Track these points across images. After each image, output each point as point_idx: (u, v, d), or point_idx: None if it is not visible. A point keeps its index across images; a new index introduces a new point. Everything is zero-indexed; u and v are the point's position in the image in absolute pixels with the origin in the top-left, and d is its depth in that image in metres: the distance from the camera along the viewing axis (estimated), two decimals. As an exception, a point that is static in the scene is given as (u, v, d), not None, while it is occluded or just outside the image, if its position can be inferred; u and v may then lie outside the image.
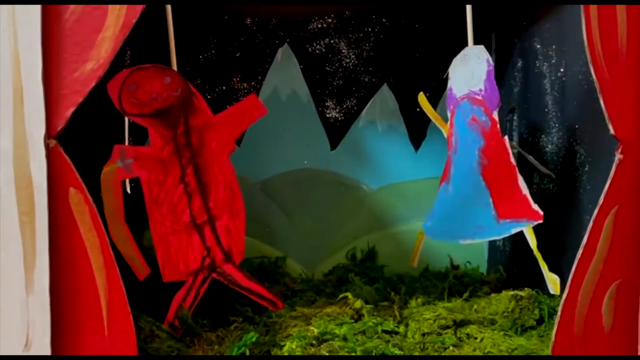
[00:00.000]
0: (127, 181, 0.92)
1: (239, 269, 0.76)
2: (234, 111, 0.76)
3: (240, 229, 0.75)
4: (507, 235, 0.79)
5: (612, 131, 0.59)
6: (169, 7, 0.77)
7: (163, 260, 0.73)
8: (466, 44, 0.84)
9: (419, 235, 0.90)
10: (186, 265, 0.74)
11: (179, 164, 0.73)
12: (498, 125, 0.80)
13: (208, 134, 0.74)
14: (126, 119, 0.96)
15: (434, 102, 1.03)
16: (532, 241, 0.76)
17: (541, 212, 0.75)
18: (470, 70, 0.81)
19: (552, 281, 0.75)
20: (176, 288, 0.74)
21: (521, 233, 0.77)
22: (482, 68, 0.80)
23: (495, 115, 0.80)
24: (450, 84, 0.85)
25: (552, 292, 0.75)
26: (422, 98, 0.89)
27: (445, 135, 0.87)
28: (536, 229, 0.76)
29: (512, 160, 0.78)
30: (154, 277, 0.73)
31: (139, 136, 0.98)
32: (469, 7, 0.83)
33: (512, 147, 0.80)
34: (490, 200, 0.79)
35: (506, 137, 0.79)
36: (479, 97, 0.80)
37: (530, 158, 0.88)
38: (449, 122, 0.85)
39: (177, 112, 0.72)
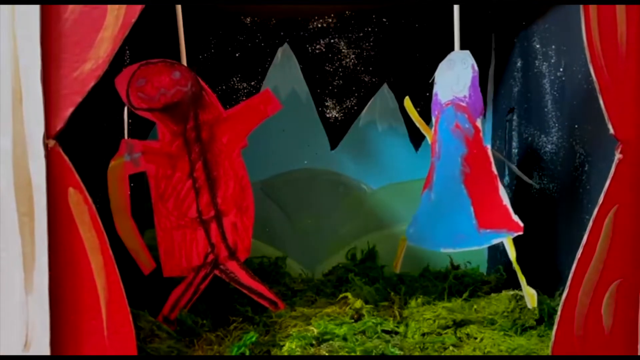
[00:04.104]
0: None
1: (243, 267, 0.75)
2: (246, 106, 0.75)
3: (248, 225, 0.75)
4: (487, 245, 0.79)
5: (611, 131, 0.58)
6: (178, 7, 0.77)
7: (165, 255, 0.73)
8: (467, 44, 0.84)
9: (401, 242, 0.90)
10: (188, 261, 0.73)
11: (188, 158, 0.72)
12: (481, 133, 0.79)
13: (219, 129, 0.73)
14: (126, 119, 0.96)
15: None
16: (512, 253, 0.76)
17: (521, 224, 0.75)
18: (456, 76, 0.81)
19: (530, 295, 0.75)
20: (177, 285, 0.74)
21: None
22: (467, 74, 0.79)
23: (479, 123, 0.79)
24: (436, 89, 0.85)
25: (529, 306, 0.75)
26: (407, 103, 0.89)
27: (429, 141, 0.86)
28: (536, 229, 0.76)
29: (494, 169, 0.77)
30: (156, 274, 0.73)
31: (139, 137, 0.98)
32: (456, 9, 0.82)
33: (495, 156, 0.79)
34: (472, 209, 0.78)
35: (489, 146, 0.79)
36: (464, 104, 0.80)
37: (513, 167, 0.87)
38: (433, 128, 0.85)
39: (187, 107, 0.72)
